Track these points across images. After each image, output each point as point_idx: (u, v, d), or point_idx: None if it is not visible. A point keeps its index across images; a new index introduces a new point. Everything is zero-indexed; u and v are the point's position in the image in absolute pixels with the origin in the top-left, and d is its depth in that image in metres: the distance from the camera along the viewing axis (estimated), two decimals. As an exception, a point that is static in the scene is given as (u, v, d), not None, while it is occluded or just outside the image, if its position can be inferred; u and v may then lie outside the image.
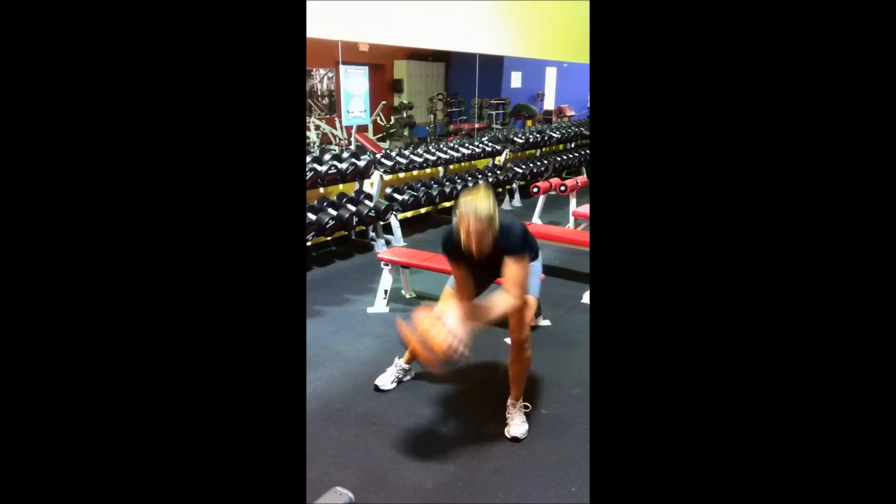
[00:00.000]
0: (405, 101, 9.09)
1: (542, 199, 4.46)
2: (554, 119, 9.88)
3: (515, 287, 1.87)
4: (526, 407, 2.14)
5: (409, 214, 4.98)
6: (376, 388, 2.40)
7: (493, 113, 9.58)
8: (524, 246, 1.91)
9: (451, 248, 1.95)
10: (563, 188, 4.28)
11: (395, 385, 2.43)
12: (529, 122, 9.67)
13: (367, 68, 4.52)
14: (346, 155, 4.11)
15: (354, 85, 4.25)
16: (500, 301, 1.86)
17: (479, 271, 2.04)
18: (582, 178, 4.60)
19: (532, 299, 2.07)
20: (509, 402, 2.13)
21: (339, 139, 7.30)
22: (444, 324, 1.74)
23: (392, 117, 8.76)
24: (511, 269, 1.88)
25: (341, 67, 4.17)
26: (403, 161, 4.55)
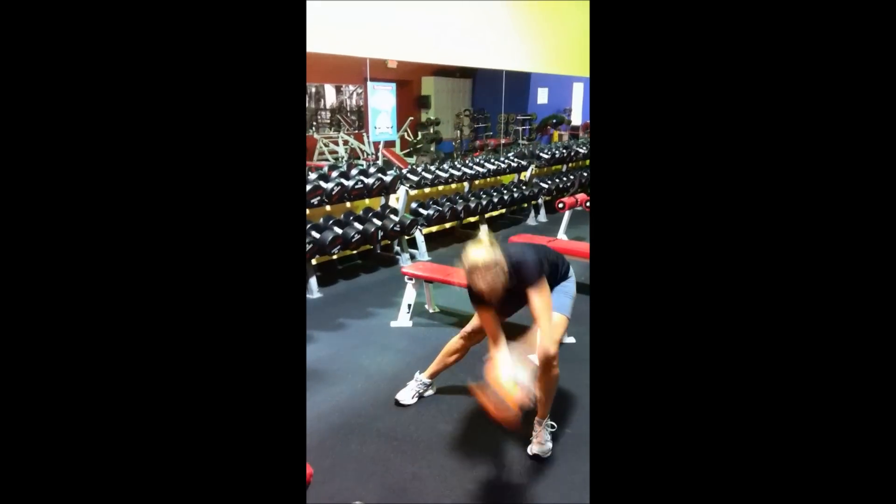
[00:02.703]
0: (432, 117, 9.18)
1: (567, 214, 4.43)
2: (581, 134, 9.84)
3: (543, 319, 1.89)
4: (552, 426, 2.11)
5: (434, 229, 5.00)
6: (397, 403, 2.40)
7: (520, 129, 9.59)
8: (540, 272, 1.91)
9: (474, 297, 1.97)
10: (588, 204, 4.24)
11: (416, 400, 2.42)
12: (556, 136, 9.65)
13: (394, 85, 4.57)
14: (372, 170, 4.16)
15: (382, 101, 4.30)
16: (540, 346, 1.89)
17: (505, 307, 2.04)
18: (608, 194, 4.57)
19: (562, 318, 2.05)
20: (536, 419, 2.10)
21: (367, 154, 7.39)
22: (513, 379, 1.76)
23: (419, 133, 8.83)
24: (533, 302, 1.90)
25: (369, 84, 4.23)
26: (429, 176, 4.58)
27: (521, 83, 9.63)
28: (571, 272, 2.20)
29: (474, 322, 2.25)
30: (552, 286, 2.06)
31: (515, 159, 5.74)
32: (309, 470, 1.50)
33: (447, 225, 5.11)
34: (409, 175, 4.48)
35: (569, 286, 2.16)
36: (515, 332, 2.04)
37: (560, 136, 9.74)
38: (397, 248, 4.47)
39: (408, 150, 8.75)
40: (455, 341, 2.35)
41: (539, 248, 2.09)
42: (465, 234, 5.30)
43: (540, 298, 1.89)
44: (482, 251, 1.83)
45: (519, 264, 1.90)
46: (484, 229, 1.90)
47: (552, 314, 1.96)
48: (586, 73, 7.95)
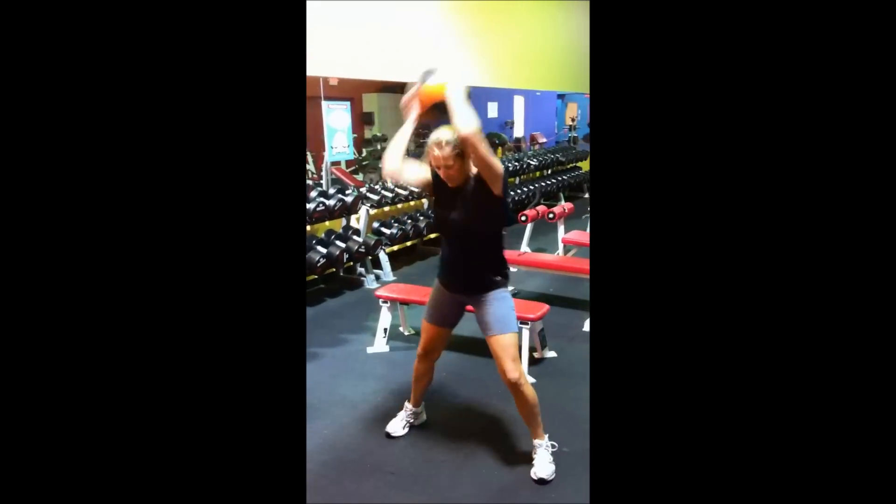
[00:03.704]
0: (378, 133, 9.08)
1: (529, 226, 4.45)
2: (524, 146, 10.00)
3: (499, 349, 1.94)
4: (553, 446, 2.06)
5: (395, 248, 4.91)
6: (388, 435, 2.29)
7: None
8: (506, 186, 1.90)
9: (436, 183, 1.96)
10: (551, 215, 4.28)
11: (406, 430, 2.32)
12: (500, 152, 9.75)
13: (349, 103, 4.47)
14: (332, 191, 4.04)
15: (337, 120, 4.19)
16: (501, 372, 1.96)
17: (453, 207, 1.92)
18: (568, 205, 4.62)
19: (513, 336, 1.94)
20: (533, 441, 2.05)
21: (311, 174, 7.19)
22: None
23: (363, 150, 8.71)
24: (489, 328, 1.95)
25: (323, 103, 4.11)
26: (389, 194, 4.50)
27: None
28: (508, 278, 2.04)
29: (424, 338, 2.14)
30: (493, 286, 1.96)
31: (471, 174, 5.73)
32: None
33: (408, 243, 5.03)
34: (369, 194, 4.38)
35: (506, 294, 1.99)
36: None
37: (504, 153, 9.85)
38: (361, 270, 4.35)
39: (354, 168, 8.61)
40: (417, 367, 2.24)
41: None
42: (428, 250, 5.24)
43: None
44: (444, 131, 1.83)
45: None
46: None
47: (500, 337, 1.92)
48: (526, 86, 8.10)
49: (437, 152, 1.83)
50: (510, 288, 2.10)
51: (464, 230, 1.91)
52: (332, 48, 3.94)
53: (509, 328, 1.93)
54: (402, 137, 1.97)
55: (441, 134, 1.84)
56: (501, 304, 1.95)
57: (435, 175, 1.93)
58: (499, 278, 1.97)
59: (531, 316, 2.75)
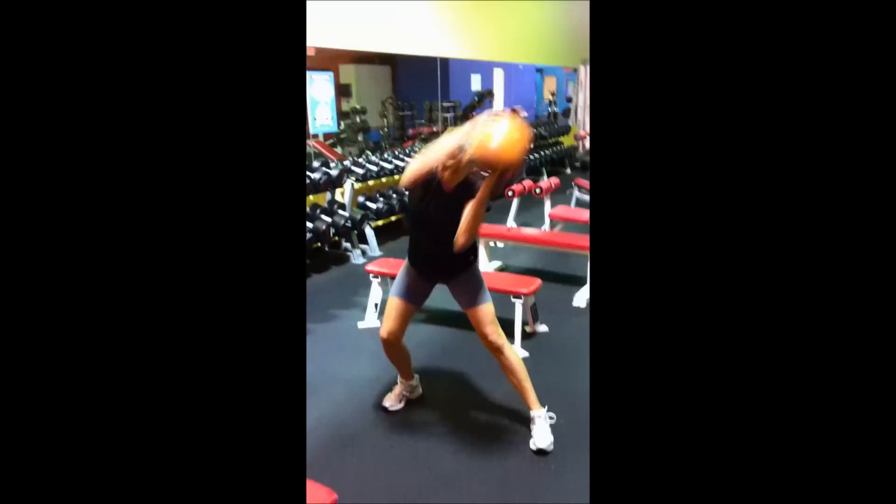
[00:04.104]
0: (357, 106, 8.89)
1: (515, 202, 4.44)
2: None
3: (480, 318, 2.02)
4: (551, 417, 2.09)
5: (379, 223, 4.86)
6: (385, 410, 2.29)
7: (447, 116, 9.53)
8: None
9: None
10: (538, 190, 4.28)
11: (403, 404, 2.33)
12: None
13: (331, 74, 4.36)
14: (316, 164, 3.95)
15: (320, 91, 4.08)
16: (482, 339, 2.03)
17: (438, 205, 1.91)
18: (555, 180, 4.61)
19: (488, 305, 2.02)
20: (531, 412, 2.08)
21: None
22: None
23: (341, 123, 8.52)
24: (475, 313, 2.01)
25: (307, 74, 4.00)
26: (374, 168, 4.43)
27: (442, 70, 9.57)
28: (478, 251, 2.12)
29: (393, 316, 2.10)
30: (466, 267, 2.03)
31: (455, 148, 5.68)
32: (333, 497, 1.38)
33: (392, 218, 4.98)
34: (353, 168, 4.31)
35: (475, 269, 2.07)
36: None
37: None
38: (347, 245, 4.30)
39: (332, 141, 8.43)
40: (388, 351, 2.19)
41: None
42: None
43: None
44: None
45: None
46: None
47: (476, 308, 2.01)
48: (507, 59, 8.01)
49: (453, 158, 1.77)
50: (498, 263, 2.12)
51: (444, 228, 1.86)
52: (308, 17, 3.82)
53: (484, 299, 2.03)
54: (432, 163, 1.84)
55: (465, 139, 1.71)
56: (473, 279, 2.05)
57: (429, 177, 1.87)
58: (471, 258, 2.05)
59: (524, 290, 2.76)
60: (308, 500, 1.30)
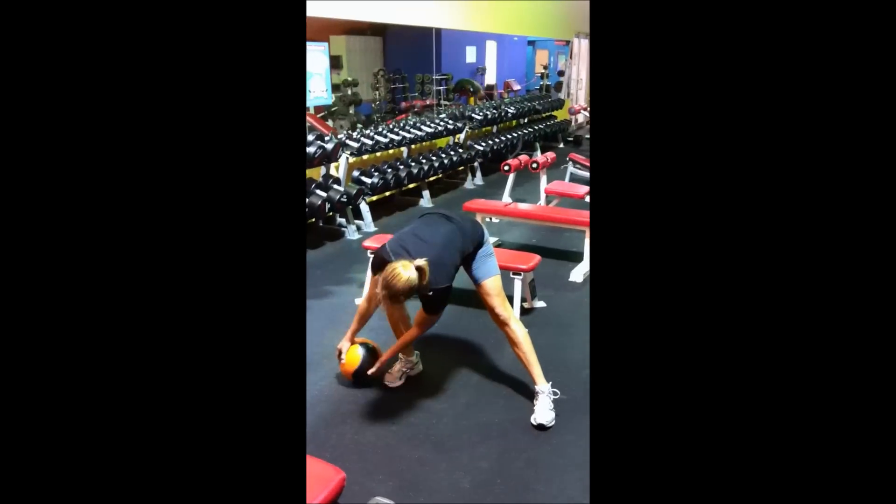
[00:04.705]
0: (348, 78, 8.73)
1: (511, 177, 4.41)
2: (496, 94, 9.80)
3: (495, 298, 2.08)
4: (555, 393, 2.10)
5: (374, 198, 4.81)
6: (385, 386, 2.29)
7: (439, 89, 9.39)
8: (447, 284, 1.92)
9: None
10: (535, 165, 4.24)
11: (403, 380, 2.33)
12: (472, 100, 9.55)
13: (326, 45, 4.26)
14: (310, 137, 3.89)
15: (314, 62, 4.00)
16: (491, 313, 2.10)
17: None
18: (550, 155, 4.58)
19: (497, 278, 2.08)
20: (535, 387, 2.09)
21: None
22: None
23: (333, 95, 8.37)
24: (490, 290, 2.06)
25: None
26: (369, 142, 4.36)
27: (436, 41, 9.39)
28: (486, 236, 2.14)
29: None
30: (474, 255, 2.08)
31: (451, 121, 5.61)
32: (341, 475, 1.38)
33: (387, 193, 4.93)
34: (348, 142, 4.24)
35: (489, 249, 2.14)
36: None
37: (476, 101, 9.64)
38: (341, 221, 4.26)
39: (322, 114, 8.30)
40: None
41: (462, 241, 2.01)
42: (407, 201, 5.16)
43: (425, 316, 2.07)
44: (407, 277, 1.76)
45: (434, 281, 1.86)
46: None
47: (486, 281, 2.06)
48: (500, 30, 7.86)
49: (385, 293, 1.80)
50: (494, 239, 2.14)
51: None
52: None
53: (493, 272, 2.09)
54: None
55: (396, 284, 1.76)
56: (484, 257, 2.10)
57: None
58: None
59: (524, 266, 2.75)
60: (315, 479, 1.30)
